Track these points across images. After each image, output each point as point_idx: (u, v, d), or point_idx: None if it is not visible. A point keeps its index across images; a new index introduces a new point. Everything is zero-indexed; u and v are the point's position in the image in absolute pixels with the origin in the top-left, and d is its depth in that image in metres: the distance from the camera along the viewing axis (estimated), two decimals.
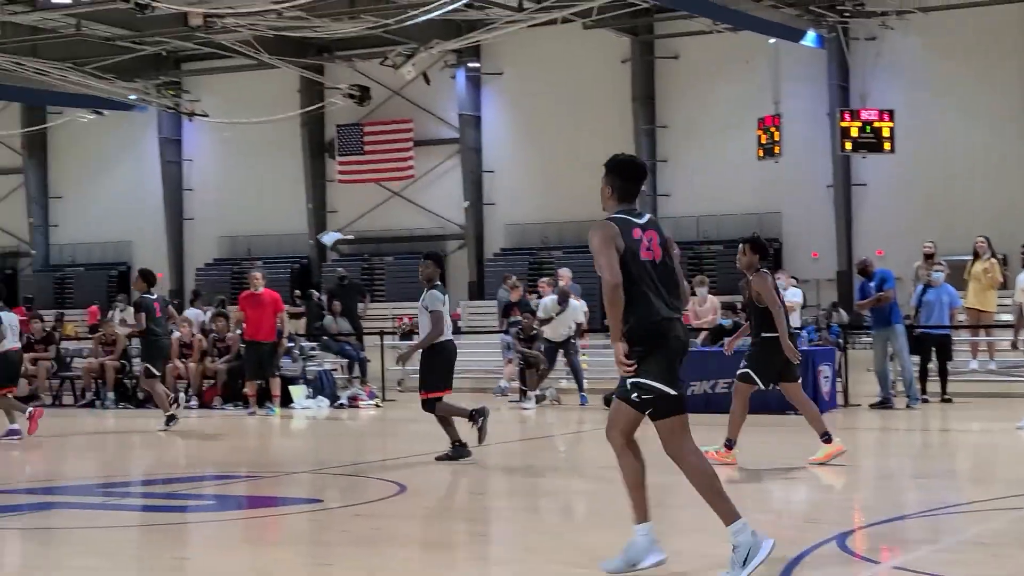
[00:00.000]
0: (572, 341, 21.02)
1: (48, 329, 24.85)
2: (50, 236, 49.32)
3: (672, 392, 7.37)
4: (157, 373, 17.99)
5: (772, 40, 34.22)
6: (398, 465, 13.63)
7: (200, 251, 46.29)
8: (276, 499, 11.81)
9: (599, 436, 15.98)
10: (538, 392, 20.89)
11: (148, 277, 18.20)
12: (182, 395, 20.18)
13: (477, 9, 31.06)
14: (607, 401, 19.91)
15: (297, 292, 35.24)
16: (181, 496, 12.09)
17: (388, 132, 43.26)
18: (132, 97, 36.79)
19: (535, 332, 21.35)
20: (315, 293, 28.57)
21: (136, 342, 20.68)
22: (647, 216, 7.60)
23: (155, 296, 18.24)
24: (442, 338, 13.60)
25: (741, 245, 12.72)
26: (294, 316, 32.47)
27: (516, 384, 21.91)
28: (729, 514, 7.33)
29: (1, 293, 17.53)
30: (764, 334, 12.40)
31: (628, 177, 7.65)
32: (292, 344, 22.08)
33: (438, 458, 13.34)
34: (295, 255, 45.35)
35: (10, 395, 16.71)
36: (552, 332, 20.86)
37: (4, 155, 48.78)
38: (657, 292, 7.42)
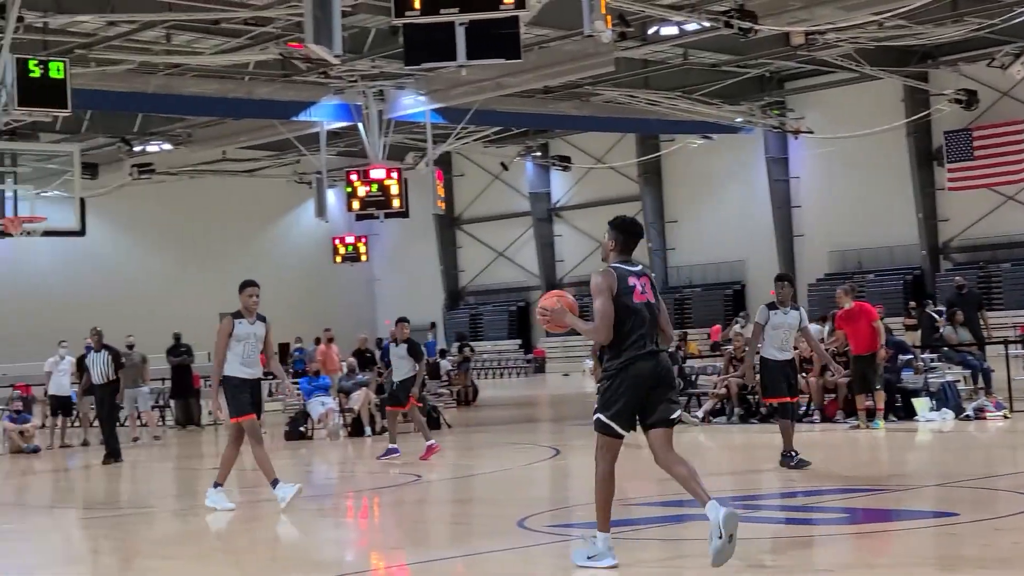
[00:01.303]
0: None
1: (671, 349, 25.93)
2: (668, 259, 51.38)
3: (605, 420, 8.90)
4: None
5: None
6: None
7: (811, 267, 46.57)
8: (904, 512, 11.80)
9: None
10: None
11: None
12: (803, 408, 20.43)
13: None
14: None
15: (911, 304, 34.75)
16: (810, 509, 12.34)
17: (999, 135, 41.78)
18: (738, 120, 37.70)
19: None
20: (929, 303, 28.14)
21: None
22: (640, 266, 9.05)
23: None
24: None
25: None
26: (909, 328, 32.12)
27: None
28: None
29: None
30: None
31: (629, 232, 9.08)
32: (911, 356, 21.91)
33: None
34: (907, 266, 44.68)
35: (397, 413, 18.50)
36: None
37: (623, 184, 51.36)
38: (641, 331, 8.81)
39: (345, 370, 26.57)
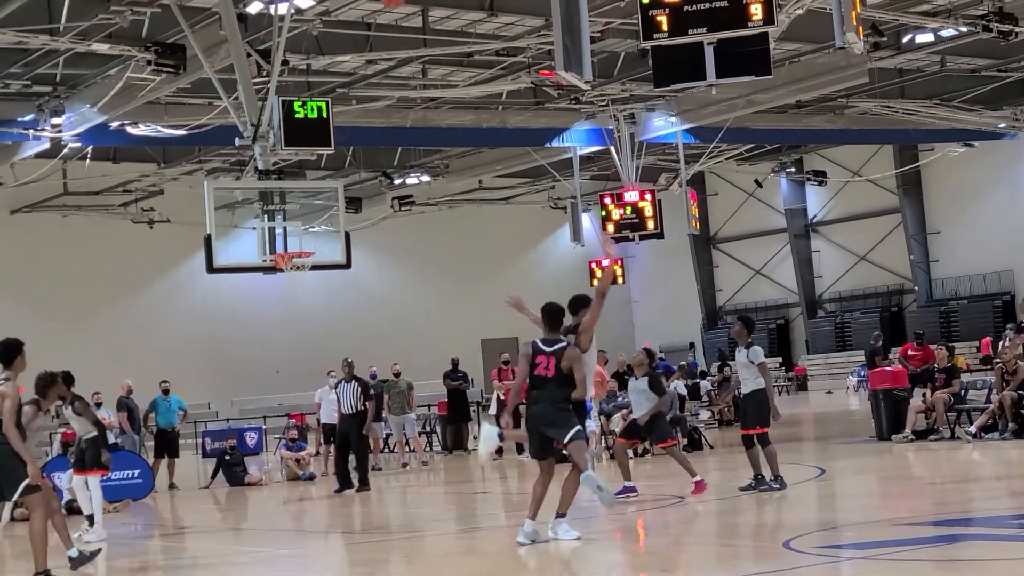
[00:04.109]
0: None
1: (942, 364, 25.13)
2: (931, 271, 50.07)
3: (526, 444, 13.13)
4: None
5: None
6: None
7: None
8: None
9: None
10: None
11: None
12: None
13: None
14: None
15: None
16: None
17: None
18: (1001, 125, 36.53)
19: None
20: None
21: None
22: (557, 344, 11.97)
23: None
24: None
25: None
26: None
27: None
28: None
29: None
30: None
31: (546, 316, 12.13)
32: None
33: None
34: None
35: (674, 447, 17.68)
36: None
37: (881, 196, 50.32)
38: (538, 392, 11.97)
39: (605, 393, 26.65)
